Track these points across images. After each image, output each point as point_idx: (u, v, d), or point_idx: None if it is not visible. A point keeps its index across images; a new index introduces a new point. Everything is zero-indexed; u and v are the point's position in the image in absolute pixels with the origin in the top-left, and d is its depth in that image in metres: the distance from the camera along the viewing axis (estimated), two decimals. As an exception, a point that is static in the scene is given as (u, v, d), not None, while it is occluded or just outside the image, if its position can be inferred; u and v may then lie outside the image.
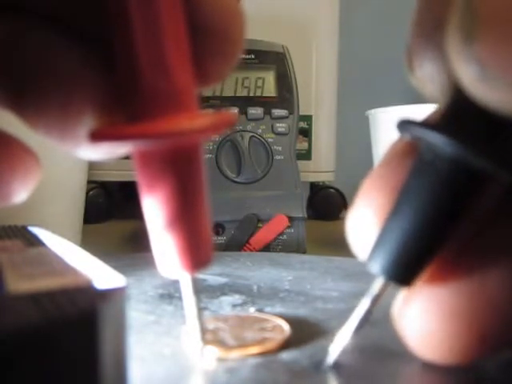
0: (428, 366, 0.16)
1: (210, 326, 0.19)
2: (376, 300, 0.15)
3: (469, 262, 0.15)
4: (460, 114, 0.13)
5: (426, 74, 0.14)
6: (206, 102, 0.57)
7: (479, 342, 0.14)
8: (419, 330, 0.15)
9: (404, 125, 0.14)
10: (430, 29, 0.13)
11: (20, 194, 0.14)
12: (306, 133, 0.86)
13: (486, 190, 0.13)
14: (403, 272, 0.14)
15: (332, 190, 0.94)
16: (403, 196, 0.14)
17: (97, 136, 0.12)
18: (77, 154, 0.14)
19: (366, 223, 0.16)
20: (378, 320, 0.19)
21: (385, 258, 0.14)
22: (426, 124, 0.13)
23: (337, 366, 0.16)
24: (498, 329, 0.14)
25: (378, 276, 0.15)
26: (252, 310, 0.22)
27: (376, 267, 0.15)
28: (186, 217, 0.14)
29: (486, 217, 0.15)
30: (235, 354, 0.17)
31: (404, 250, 0.14)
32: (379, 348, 0.18)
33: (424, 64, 0.14)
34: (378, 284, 0.15)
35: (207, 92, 0.57)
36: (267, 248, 0.52)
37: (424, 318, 0.15)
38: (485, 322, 0.14)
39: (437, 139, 0.13)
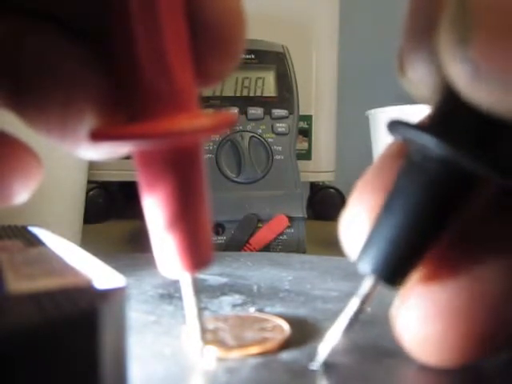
0: (427, 366, 0.16)
1: (210, 326, 0.19)
2: (365, 300, 0.15)
3: (463, 262, 0.15)
4: (449, 116, 0.13)
5: (417, 76, 0.14)
6: (206, 102, 0.57)
7: (476, 342, 0.14)
8: (415, 332, 0.15)
9: (394, 125, 0.14)
10: (421, 31, 0.13)
11: (21, 195, 0.14)
12: (306, 133, 0.86)
13: (476, 190, 0.13)
14: (392, 272, 0.14)
15: (332, 190, 0.94)
16: (392, 196, 0.14)
17: (97, 136, 0.12)
18: (77, 153, 0.14)
19: (357, 224, 0.16)
20: (377, 320, 0.19)
21: (374, 258, 0.14)
22: (414, 125, 0.13)
23: (326, 366, 0.16)
24: (494, 329, 0.14)
25: (367, 276, 0.15)
26: (252, 310, 0.22)
27: (365, 267, 0.15)
28: (186, 217, 0.14)
29: (478, 216, 0.15)
30: (235, 353, 0.17)
31: (392, 250, 0.14)
32: (379, 348, 0.18)
33: (415, 66, 0.14)
34: (367, 284, 0.15)
35: (207, 92, 0.57)
36: (267, 248, 0.52)
37: (419, 319, 0.15)
38: (481, 323, 0.14)
39: (425, 140, 0.13)
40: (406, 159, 0.14)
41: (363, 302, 0.15)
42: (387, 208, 0.14)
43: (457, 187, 0.13)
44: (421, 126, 0.13)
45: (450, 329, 0.14)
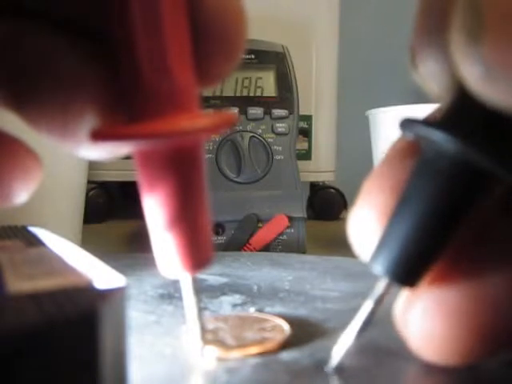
0: (428, 366, 0.16)
1: (210, 326, 0.19)
2: (379, 301, 0.15)
3: (471, 263, 0.15)
4: (462, 112, 0.13)
5: (429, 72, 0.14)
6: (206, 102, 0.57)
7: (481, 343, 0.14)
8: (421, 331, 0.15)
9: (406, 123, 0.14)
10: (434, 26, 0.13)
11: (21, 195, 0.14)
12: (306, 133, 0.86)
13: (489, 190, 0.13)
14: (407, 273, 0.14)
15: (332, 190, 0.94)
16: (405, 195, 0.14)
17: (98, 136, 0.12)
18: (78, 153, 0.14)
19: (367, 223, 0.15)
20: (378, 320, 0.19)
21: (388, 259, 0.14)
22: (428, 122, 0.13)
23: (339, 369, 0.16)
24: (500, 330, 0.14)
25: (381, 277, 0.15)
26: (252, 310, 0.22)
27: (379, 268, 0.14)
28: (186, 217, 0.14)
29: (489, 216, 0.15)
30: (235, 354, 0.17)
31: (407, 250, 0.14)
32: (379, 348, 0.18)
33: (427, 61, 0.14)
34: (381, 285, 0.15)
35: (207, 92, 0.57)
36: (267, 248, 0.52)
37: (426, 319, 0.15)
38: (487, 324, 0.14)
39: (439, 137, 0.13)
40: (419, 158, 0.14)
41: (377, 304, 0.15)
42: (400, 208, 0.14)
43: (470, 186, 0.13)
44: (434, 123, 0.13)
45: (454, 328, 0.14)
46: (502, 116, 0.12)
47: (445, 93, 0.14)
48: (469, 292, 0.14)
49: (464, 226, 0.14)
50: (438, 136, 0.13)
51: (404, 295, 0.16)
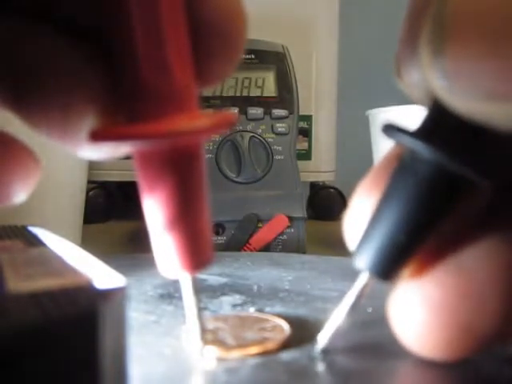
0: (427, 366, 0.16)
1: (210, 326, 0.19)
2: (361, 293, 0.16)
3: (452, 255, 0.15)
4: (439, 121, 0.14)
5: (413, 81, 0.14)
6: (206, 102, 0.57)
7: (465, 334, 0.15)
8: (405, 323, 0.15)
9: (387, 129, 0.15)
10: (416, 37, 0.13)
11: (20, 195, 0.14)
12: (306, 133, 0.86)
13: (465, 191, 0.14)
14: (385, 268, 0.15)
15: (332, 190, 0.94)
16: (386, 195, 0.15)
17: (97, 136, 0.12)
18: (77, 153, 0.14)
19: (361, 222, 0.16)
20: (378, 320, 0.19)
21: (368, 255, 0.15)
22: (404, 129, 0.14)
23: (325, 352, 0.17)
24: (482, 322, 0.14)
25: (362, 271, 0.16)
26: (252, 310, 0.22)
27: (360, 263, 0.15)
28: (186, 217, 0.14)
29: (468, 214, 0.15)
30: (235, 353, 0.17)
31: (385, 247, 0.15)
32: (378, 348, 0.18)
33: (410, 71, 0.14)
34: (362, 279, 0.16)
35: (207, 92, 0.57)
36: (267, 248, 0.52)
37: (408, 310, 0.15)
38: (468, 315, 0.14)
39: (414, 144, 0.14)
40: (399, 160, 0.15)
41: (359, 296, 0.16)
42: (380, 206, 0.15)
43: (444, 188, 0.14)
44: (411, 130, 0.14)
45: (438, 320, 0.15)
46: (472, 124, 0.12)
47: (426, 101, 0.14)
48: (448, 283, 0.15)
49: (443, 224, 0.14)
50: (411, 142, 0.14)
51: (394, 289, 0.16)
